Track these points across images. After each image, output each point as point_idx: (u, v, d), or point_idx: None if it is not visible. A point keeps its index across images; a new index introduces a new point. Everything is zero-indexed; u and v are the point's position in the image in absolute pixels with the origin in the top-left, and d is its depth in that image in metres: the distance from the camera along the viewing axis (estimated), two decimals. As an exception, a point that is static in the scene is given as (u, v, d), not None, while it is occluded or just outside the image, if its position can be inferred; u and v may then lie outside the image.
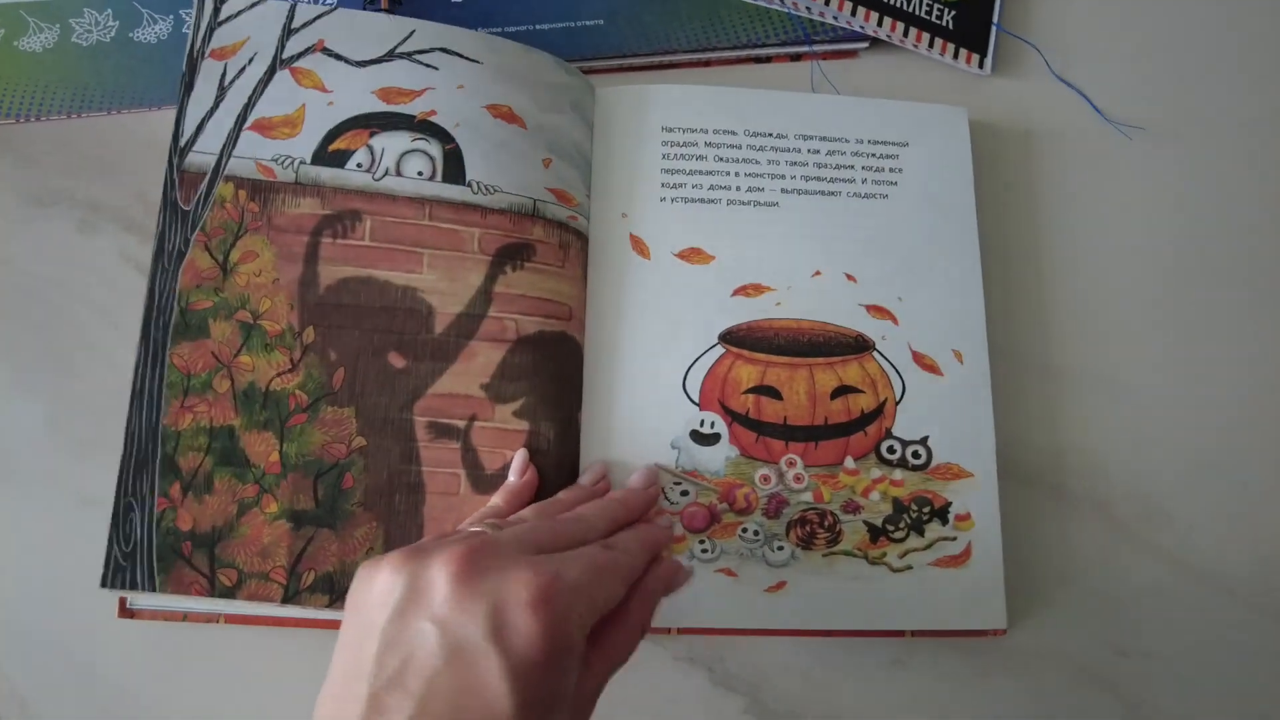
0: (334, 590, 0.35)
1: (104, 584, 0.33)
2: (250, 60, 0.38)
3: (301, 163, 0.38)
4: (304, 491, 0.35)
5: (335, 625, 0.38)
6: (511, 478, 0.37)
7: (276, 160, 0.38)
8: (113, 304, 0.43)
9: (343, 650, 0.27)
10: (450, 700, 0.25)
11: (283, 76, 0.38)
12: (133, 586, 0.33)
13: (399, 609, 0.26)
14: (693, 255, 0.42)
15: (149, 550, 0.33)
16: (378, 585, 0.27)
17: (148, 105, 0.46)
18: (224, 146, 0.37)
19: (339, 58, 0.39)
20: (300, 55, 0.39)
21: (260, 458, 0.35)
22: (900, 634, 0.39)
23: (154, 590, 0.33)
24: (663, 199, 0.42)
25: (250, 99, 0.38)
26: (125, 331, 0.41)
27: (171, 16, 0.47)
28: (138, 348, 0.35)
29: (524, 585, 0.26)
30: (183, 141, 0.37)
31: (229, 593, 0.33)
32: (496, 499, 0.37)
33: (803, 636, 0.39)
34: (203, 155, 0.37)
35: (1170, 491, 0.41)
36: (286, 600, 0.34)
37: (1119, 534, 0.41)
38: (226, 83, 0.38)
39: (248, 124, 0.38)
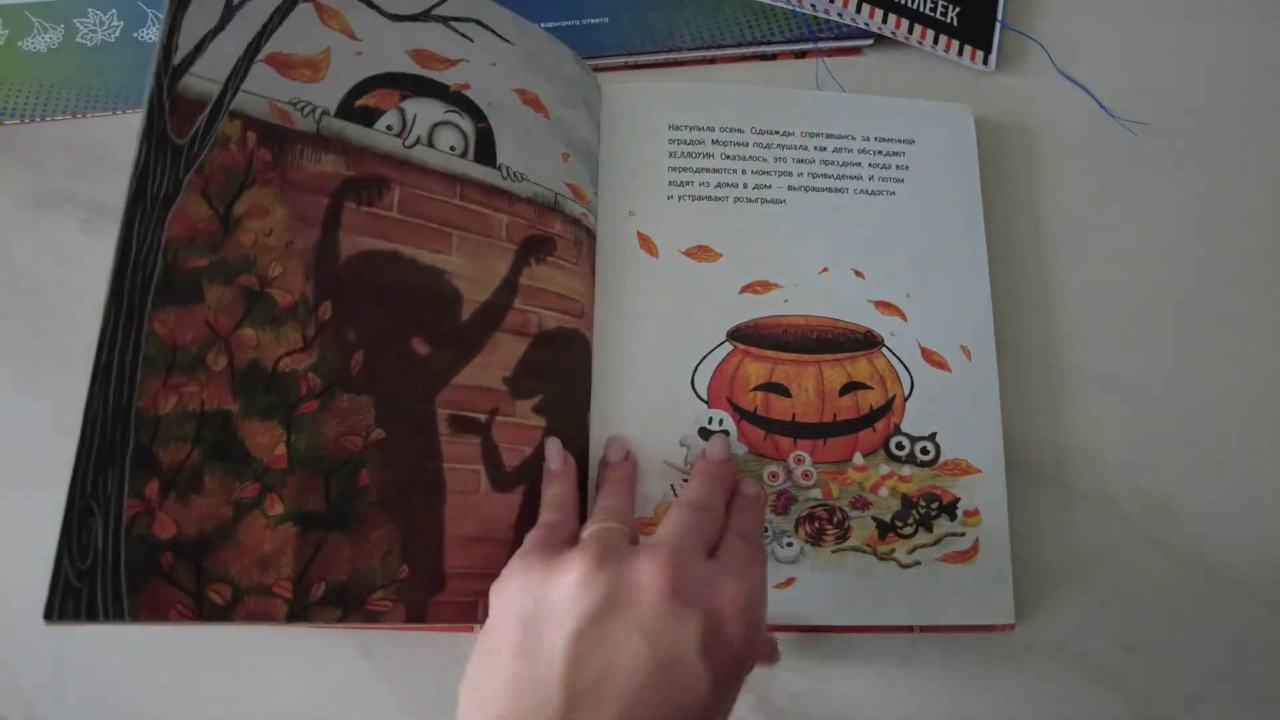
0: (346, 602, 0.25)
1: (48, 615, 0.20)
2: None
3: (324, 113, 0.27)
4: (314, 490, 0.25)
5: (352, 625, 0.30)
6: (553, 465, 0.30)
7: (295, 105, 0.27)
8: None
9: (501, 653, 0.21)
10: (653, 714, 0.20)
11: (305, 10, 0.28)
12: (90, 615, 0.21)
13: (597, 617, 0.21)
14: (700, 253, 0.36)
15: (115, 565, 0.21)
16: (562, 590, 0.22)
17: (152, 105, 0.38)
18: (231, 75, 0.26)
19: (369, 4, 0.29)
20: None
21: (263, 451, 0.24)
22: (908, 630, 0.34)
23: (121, 618, 0.21)
24: (670, 197, 0.36)
25: (266, 27, 0.27)
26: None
27: (176, 17, 0.39)
28: (104, 309, 0.23)
29: (732, 600, 0.22)
30: (176, 59, 0.25)
31: (221, 613, 0.22)
32: (556, 487, 0.29)
33: (810, 633, 0.33)
34: (203, 81, 0.26)
35: (1176, 488, 0.37)
36: (292, 618, 0.24)
37: (1125, 530, 0.36)
38: (235, 0, 0.26)
39: (261, 55, 0.27)
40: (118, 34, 0.39)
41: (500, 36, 0.32)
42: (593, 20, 0.40)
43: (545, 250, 0.31)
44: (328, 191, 0.27)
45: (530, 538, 0.26)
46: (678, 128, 0.37)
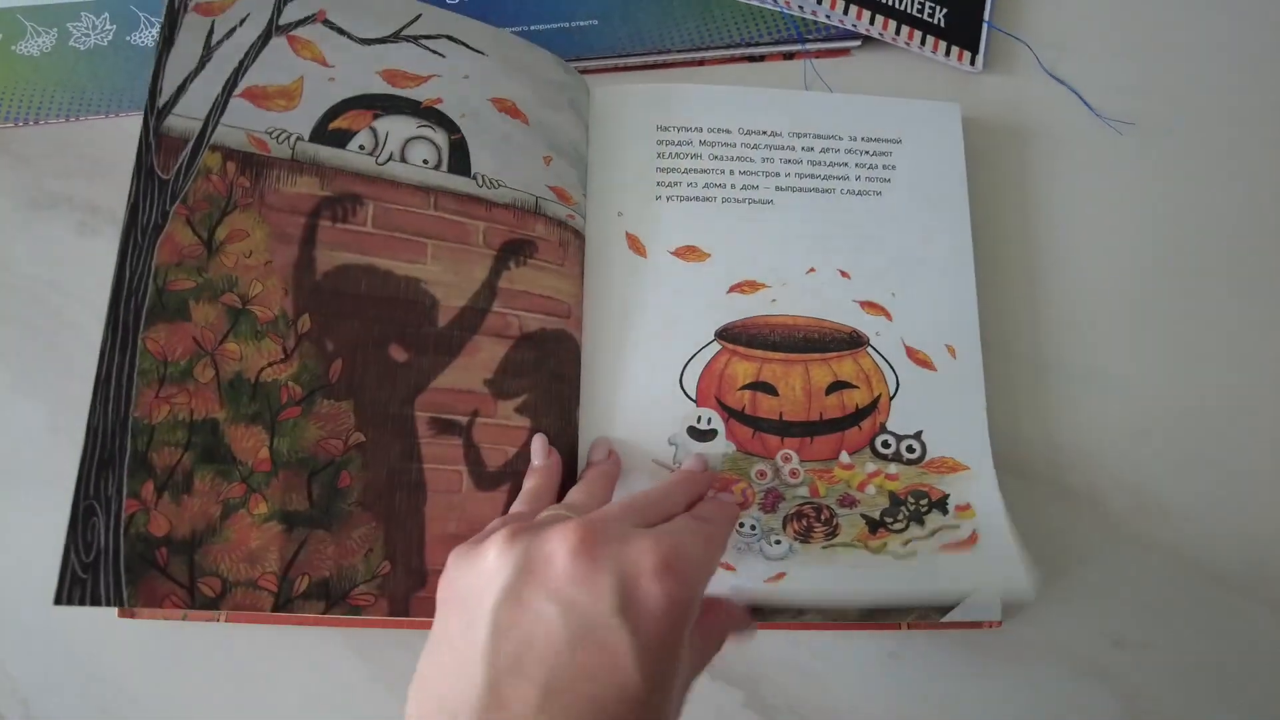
0: (330, 596, 0.27)
1: (58, 600, 0.24)
2: (242, 21, 0.31)
3: (299, 139, 0.30)
4: (297, 491, 0.27)
5: (338, 623, 0.33)
6: (535, 460, 0.32)
7: (271, 133, 0.30)
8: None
9: (441, 642, 0.22)
10: (578, 685, 0.20)
11: (279, 44, 0.31)
12: (94, 601, 0.25)
13: (511, 589, 0.21)
14: (688, 253, 0.37)
15: (115, 559, 0.25)
16: (484, 566, 0.22)
17: (146, 108, 0.40)
18: (210, 112, 0.29)
19: (341, 32, 0.32)
20: (299, 24, 0.32)
21: (248, 454, 0.27)
22: (896, 627, 0.34)
23: (121, 604, 0.24)
24: (658, 197, 0.37)
25: (241, 64, 0.30)
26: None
27: (169, 20, 0.41)
28: (104, 330, 0.27)
29: (648, 554, 0.22)
30: (161, 101, 0.29)
31: (211, 604, 0.26)
32: (533, 481, 0.31)
33: (800, 630, 0.34)
34: (185, 120, 0.29)
35: (1163, 483, 0.37)
36: (277, 609, 0.27)
37: (1113, 526, 0.37)
38: (214, 42, 0.30)
39: (238, 90, 0.30)
40: (110, 37, 0.41)
41: (473, 49, 0.34)
42: (583, 23, 0.41)
43: (526, 253, 0.33)
44: (304, 212, 0.30)
45: (486, 528, 0.27)
46: (666, 128, 0.38)
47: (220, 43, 0.29)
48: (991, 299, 0.38)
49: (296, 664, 0.34)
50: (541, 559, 0.21)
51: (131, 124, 0.40)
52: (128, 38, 0.41)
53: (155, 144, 0.28)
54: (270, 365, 0.28)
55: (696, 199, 0.37)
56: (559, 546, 0.21)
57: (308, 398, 0.28)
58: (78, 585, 0.24)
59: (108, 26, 0.41)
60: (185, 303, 0.27)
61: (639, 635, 0.21)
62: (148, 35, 0.41)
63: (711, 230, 0.37)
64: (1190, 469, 0.37)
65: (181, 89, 0.29)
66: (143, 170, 0.27)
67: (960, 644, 0.35)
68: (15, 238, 0.39)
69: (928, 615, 0.34)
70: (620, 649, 0.20)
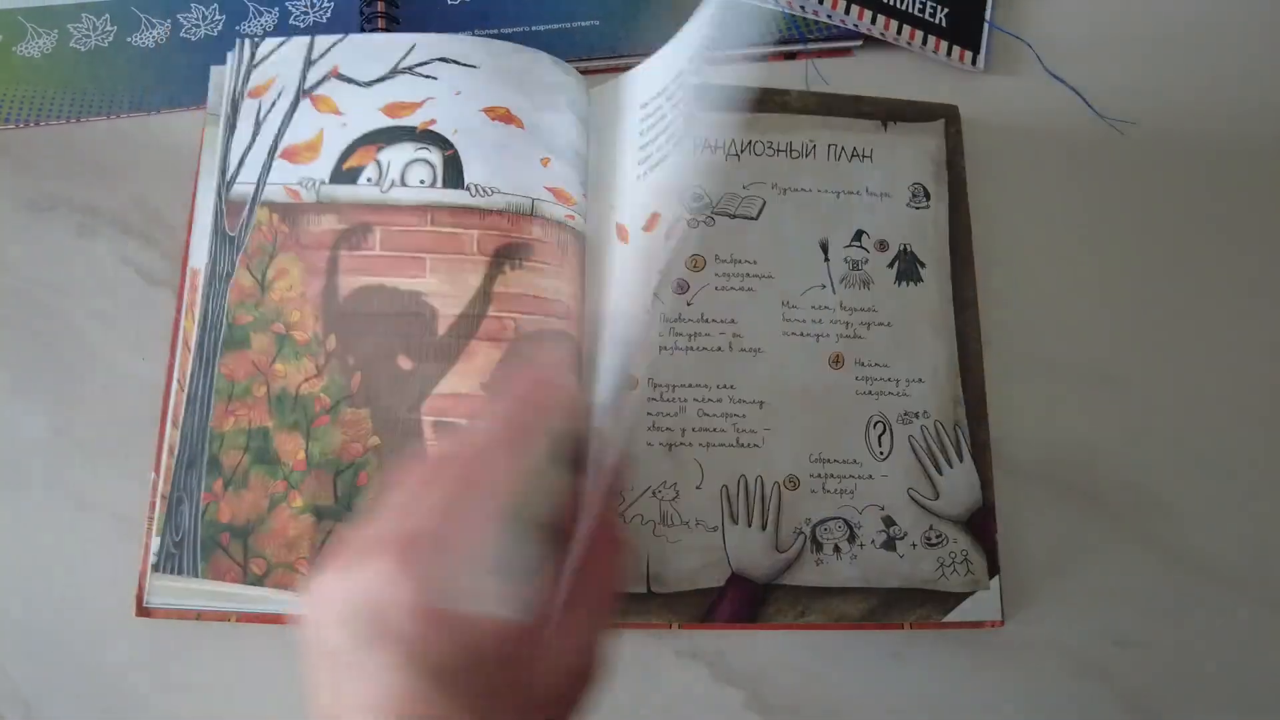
0: None
1: (156, 569, 0.47)
2: (279, 94, 0.53)
3: (322, 183, 0.52)
4: (325, 488, 0.50)
5: None
6: None
7: (302, 184, 0.52)
8: (112, 308, 0.55)
9: None
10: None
11: (305, 105, 0.53)
12: (180, 572, 0.47)
13: (304, 660, 0.29)
14: (652, 223, 0.45)
15: (195, 540, 0.48)
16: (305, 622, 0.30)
17: (146, 110, 0.60)
18: (260, 176, 0.52)
19: (350, 81, 0.53)
20: (319, 84, 0.53)
21: (289, 456, 0.49)
22: (898, 627, 0.51)
23: (197, 576, 0.47)
24: (639, 176, 0.49)
25: (280, 130, 0.53)
26: (124, 334, 0.54)
27: (168, 21, 0.61)
28: (191, 360, 0.49)
29: (375, 570, 0.27)
30: (228, 176, 0.52)
31: (259, 580, 0.47)
32: None
33: (801, 630, 0.51)
34: (244, 186, 0.53)
35: (1164, 483, 0.54)
36: None
37: (1114, 525, 0.54)
38: (261, 117, 0.53)
39: (278, 153, 0.52)
40: (111, 39, 0.58)
41: (464, 64, 0.54)
42: (584, 23, 0.60)
43: (520, 256, 0.52)
44: (327, 246, 0.51)
45: None
46: (646, 103, 0.50)
47: (265, 116, 0.52)
48: (992, 299, 0.55)
49: (299, 664, 0.50)
50: (303, 623, 0.29)
51: (131, 125, 0.59)
52: (128, 39, 0.60)
53: (225, 210, 0.51)
54: (306, 380, 0.49)
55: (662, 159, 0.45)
56: (309, 605, 0.28)
57: (334, 407, 0.49)
58: (169, 559, 0.46)
59: (108, 28, 0.60)
60: (247, 334, 0.49)
61: (407, 656, 0.26)
62: (148, 37, 0.60)
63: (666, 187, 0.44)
64: (1191, 468, 0.53)
65: (241, 162, 0.52)
66: (217, 231, 0.50)
67: (961, 644, 0.51)
68: (15, 239, 0.54)
69: (929, 615, 0.51)
70: (386, 673, 0.26)
